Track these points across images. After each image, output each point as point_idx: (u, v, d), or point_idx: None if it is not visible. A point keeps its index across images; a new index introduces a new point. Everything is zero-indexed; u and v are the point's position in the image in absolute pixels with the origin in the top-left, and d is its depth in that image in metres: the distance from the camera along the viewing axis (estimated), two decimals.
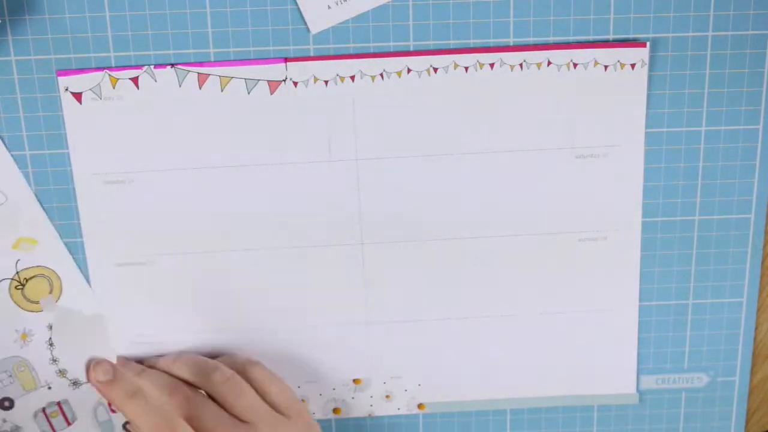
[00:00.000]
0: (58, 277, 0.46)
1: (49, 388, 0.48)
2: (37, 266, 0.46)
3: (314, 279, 0.47)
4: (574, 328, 0.49)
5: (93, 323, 0.47)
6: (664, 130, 0.46)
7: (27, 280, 0.46)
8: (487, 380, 0.49)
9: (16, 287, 0.46)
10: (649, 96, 0.45)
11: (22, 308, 0.46)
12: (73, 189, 0.45)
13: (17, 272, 0.46)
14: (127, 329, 0.47)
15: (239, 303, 0.47)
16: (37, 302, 0.46)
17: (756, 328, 0.49)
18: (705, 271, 0.48)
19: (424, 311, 0.48)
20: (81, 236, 0.46)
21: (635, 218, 0.47)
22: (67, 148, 0.44)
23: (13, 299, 0.46)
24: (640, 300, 0.48)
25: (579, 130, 0.45)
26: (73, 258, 0.46)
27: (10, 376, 0.47)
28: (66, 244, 0.46)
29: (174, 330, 0.48)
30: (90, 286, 0.47)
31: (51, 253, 0.46)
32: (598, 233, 0.47)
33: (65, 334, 0.47)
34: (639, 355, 0.49)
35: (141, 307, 0.47)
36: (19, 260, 0.46)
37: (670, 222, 0.47)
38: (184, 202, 0.45)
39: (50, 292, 0.46)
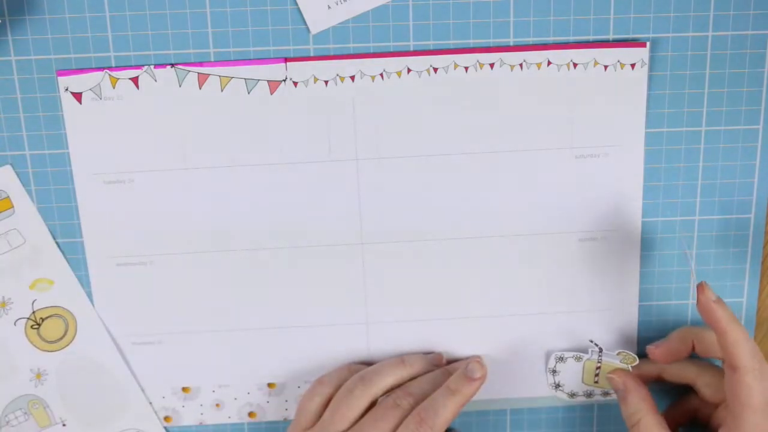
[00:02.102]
0: (74, 317, 0.47)
1: (64, 425, 0.48)
2: (54, 306, 0.47)
3: (314, 279, 0.47)
4: (574, 328, 0.48)
5: (106, 365, 0.48)
6: (664, 130, 0.46)
7: (43, 320, 0.46)
8: (487, 380, 0.49)
9: (32, 327, 0.47)
10: (649, 96, 0.45)
11: (37, 348, 0.47)
12: (73, 189, 0.45)
13: (33, 312, 0.46)
14: (127, 329, 0.47)
15: (239, 303, 0.47)
16: (52, 342, 0.47)
17: (756, 328, 0.49)
18: (705, 271, 0.48)
19: (424, 311, 0.48)
20: (81, 236, 0.46)
21: (635, 218, 0.47)
22: (67, 148, 0.45)
23: (28, 339, 0.47)
24: (640, 300, 0.48)
25: (579, 130, 0.45)
26: (73, 260, 0.46)
27: (25, 413, 0.48)
28: (66, 244, 0.46)
29: (174, 330, 0.48)
30: (105, 326, 0.47)
31: (67, 293, 0.47)
32: (598, 233, 0.47)
33: (78, 376, 0.48)
34: (639, 355, 0.49)
35: (141, 307, 0.47)
36: (35, 300, 0.46)
37: (670, 222, 0.47)
38: (183, 202, 0.45)
39: (65, 332, 0.47)
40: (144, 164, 0.45)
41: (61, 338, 0.47)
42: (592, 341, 0.47)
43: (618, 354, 0.45)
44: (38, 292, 0.46)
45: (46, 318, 0.46)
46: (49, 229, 0.46)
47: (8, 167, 0.45)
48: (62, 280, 0.46)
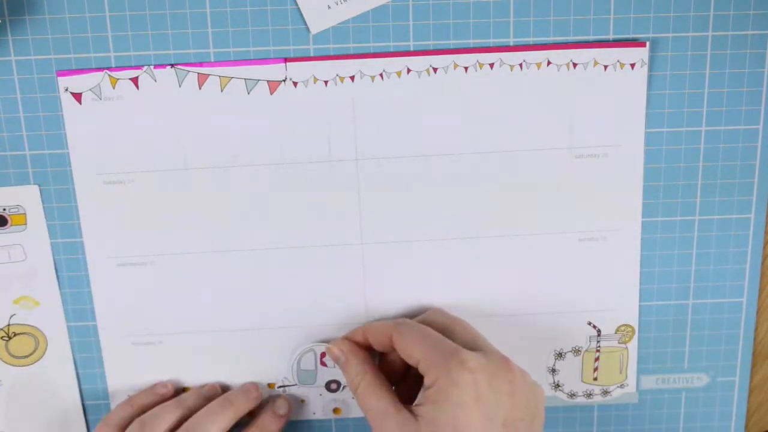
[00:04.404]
0: (46, 341, 0.47)
1: None
2: (30, 326, 0.47)
3: (314, 279, 0.47)
4: (574, 328, 0.49)
5: (61, 391, 0.48)
6: (664, 130, 0.46)
7: (15, 335, 0.47)
8: None
9: (1, 337, 0.47)
10: (649, 96, 0.45)
11: (1, 359, 0.47)
12: (73, 189, 0.45)
13: (8, 325, 0.47)
14: (126, 329, 0.47)
15: (239, 303, 0.47)
16: (17, 357, 0.47)
17: (756, 328, 0.49)
18: (705, 271, 0.48)
19: (424, 311, 0.48)
20: (81, 236, 0.46)
21: (635, 218, 0.47)
22: (67, 148, 0.45)
23: None
24: (640, 300, 0.48)
25: (579, 130, 0.45)
26: (73, 260, 0.46)
27: None
28: (66, 244, 0.46)
29: (174, 330, 0.48)
30: (72, 354, 0.47)
31: (49, 318, 0.47)
32: (598, 233, 0.47)
33: (29, 394, 0.48)
34: (639, 355, 0.49)
35: (141, 307, 0.47)
36: (14, 315, 0.46)
37: (670, 222, 0.47)
38: (183, 202, 0.45)
39: (33, 352, 0.47)
40: (144, 164, 0.45)
41: (27, 356, 0.47)
42: (590, 323, 0.47)
43: (617, 331, 0.46)
44: (20, 308, 0.46)
45: (19, 334, 0.47)
46: (50, 233, 0.46)
47: (35, 187, 0.45)
48: (48, 305, 0.46)
